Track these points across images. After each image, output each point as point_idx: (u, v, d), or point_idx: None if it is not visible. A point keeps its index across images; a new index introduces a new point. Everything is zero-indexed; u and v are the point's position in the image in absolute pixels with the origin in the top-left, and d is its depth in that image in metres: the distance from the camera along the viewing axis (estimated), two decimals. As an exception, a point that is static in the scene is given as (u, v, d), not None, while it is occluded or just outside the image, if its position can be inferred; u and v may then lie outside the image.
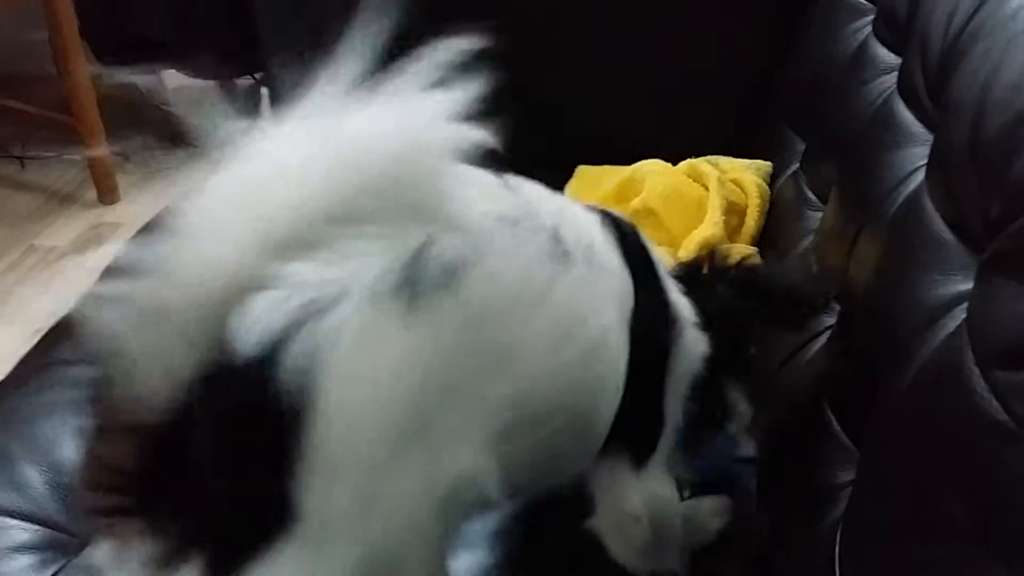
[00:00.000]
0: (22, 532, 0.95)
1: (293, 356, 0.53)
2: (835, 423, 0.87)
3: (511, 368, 0.65)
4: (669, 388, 0.84)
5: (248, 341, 0.53)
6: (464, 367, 0.62)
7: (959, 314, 0.71)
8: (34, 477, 0.99)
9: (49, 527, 0.96)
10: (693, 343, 0.86)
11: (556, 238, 0.70)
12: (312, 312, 0.54)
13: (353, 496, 0.56)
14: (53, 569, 0.91)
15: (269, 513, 0.54)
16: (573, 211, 0.77)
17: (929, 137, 0.91)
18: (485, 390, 0.63)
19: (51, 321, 1.34)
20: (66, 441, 1.03)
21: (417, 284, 0.58)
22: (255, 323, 0.53)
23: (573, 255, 0.71)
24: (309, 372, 0.53)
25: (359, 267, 0.56)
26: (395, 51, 0.58)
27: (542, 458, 0.72)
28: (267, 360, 0.53)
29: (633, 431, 0.81)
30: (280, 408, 0.53)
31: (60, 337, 1.24)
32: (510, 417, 0.65)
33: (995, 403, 0.61)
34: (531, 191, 0.74)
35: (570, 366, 0.71)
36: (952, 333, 0.71)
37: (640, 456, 0.83)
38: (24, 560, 0.92)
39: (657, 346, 0.82)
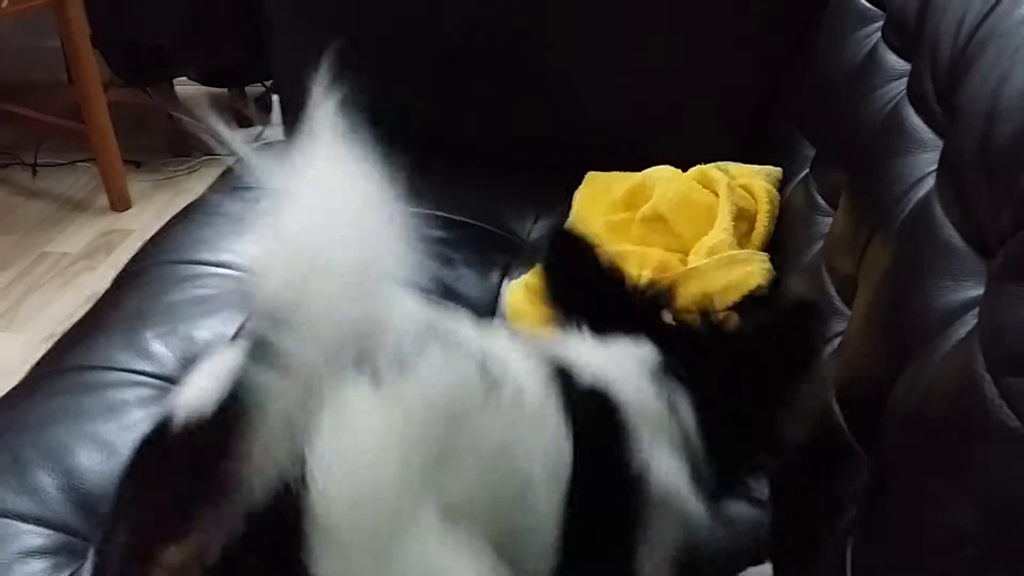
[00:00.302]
0: (35, 536, 0.95)
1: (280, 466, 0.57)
2: (846, 429, 0.87)
3: (457, 472, 0.66)
4: (642, 553, 0.79)
5: None
6: (426, 453, 0.63)
7: (970, 320, 0.71)
8: (47, 482, 1.00)
9: (62, 531, 0.96)
10: (676, 506, 0.79)
11: (484, 369, 0.70)
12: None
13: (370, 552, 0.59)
14: (66, 573, 0.92)
15: None
16: (504, 350, 0.74)
17: (939, 143, 0.91)
18: (443, 483, 0.65)
19: (63, 327, 1.35)
20: (79, 447, 1.04)
21: (375, 367, 0.61)
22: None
23: (501, 391, 0.70)
24: (304, 457, 0.57)
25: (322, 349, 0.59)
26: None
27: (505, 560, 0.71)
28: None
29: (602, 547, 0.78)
30: (292, 493, 0.56)
31: (72, 343, 1.25)
32: (467, 515, 0.66)
33: (1007, 410, 0.61)
34: (460, 320, 0.74)
35: (501, 497, 0.70)
36: (963, 339, 0.70)
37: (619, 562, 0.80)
38: (37, 564, 0.92)
39: (614, 521, 0.78)
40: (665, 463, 0.78)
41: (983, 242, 0.75)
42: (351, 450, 0.58)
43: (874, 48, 1.20)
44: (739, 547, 0.96)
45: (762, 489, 1.02)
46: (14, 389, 1.19)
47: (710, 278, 1.22)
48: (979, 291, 0.72)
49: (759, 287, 1.07)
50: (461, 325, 0.73)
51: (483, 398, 0.69)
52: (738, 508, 1.00)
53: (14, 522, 0.96)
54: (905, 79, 1.06)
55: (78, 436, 1.05)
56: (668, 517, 0.78)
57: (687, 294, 1.19)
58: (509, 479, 0.70)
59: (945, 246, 0.80)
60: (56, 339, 1.33)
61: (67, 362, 1.20)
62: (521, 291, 1.27)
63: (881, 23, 1.22)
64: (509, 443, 0.70)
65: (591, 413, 0.76)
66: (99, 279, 2.32)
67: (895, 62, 1.13)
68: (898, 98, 1.05)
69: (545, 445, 0.72)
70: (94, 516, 0.98)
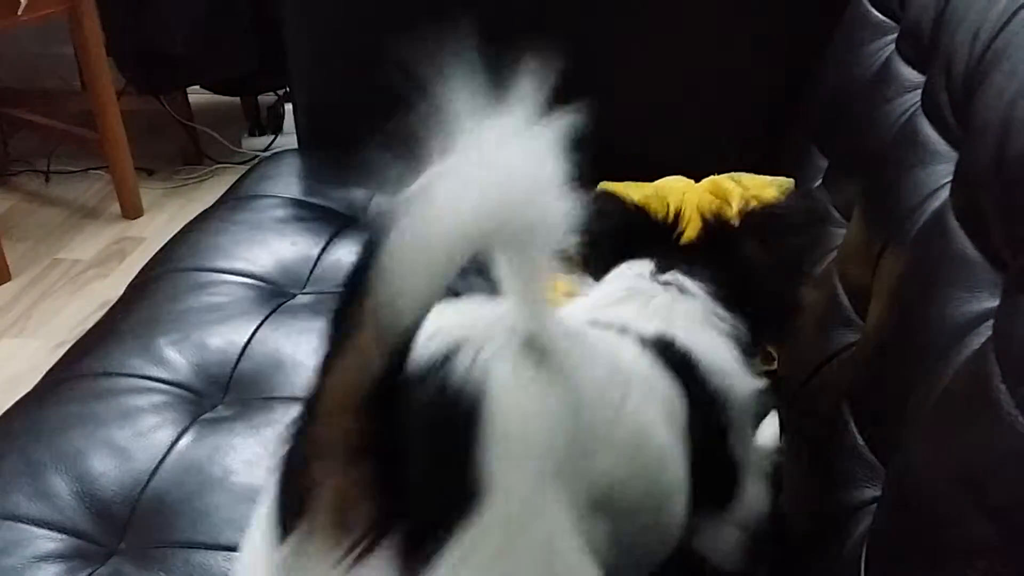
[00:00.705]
0: (49, 541, 0.95)
1: (466, 367, 0.63)
2: (860, 439, 0.87)
3: (602, 458, 0.74)
4: (736, 447, 0.93)
5: (429, 349, 0.63)
6: (574, 434, 0.69)
7: (985, 332, 0.71)
8: (61, 487, 1.00)
9: (75, 536, 0.97)
10: (745, 395, 0.93)
11: (615, 365, 0.80)
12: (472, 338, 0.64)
13: (532, 482, 0.64)
14: (79, 578, 0.92)
15: (463, 494, 0.60)
16: (618, 344, 0.85)
17: (953, 155, 0.91)
18: (585, 464, 0.71)
19: (74, 334, 1.36)
20: (92, 452, 1.05)
21: (542, 346, 0.67)
22: (435, 336, 0.63)
23: (631, 382, 0.79)
24: (481, 381, 0.62)
25: (500, 315, 0.67)
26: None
27: (627, 547, 0.78)
28: (444, 366, 0.62)
29: (716, 494, 0.91)
30: (464, 404, 0.61)
31: (86, 349, 1.25)
32: (600, 499, 0.72)
33: (1022, 420, 0.61)
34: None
35: (642, 474, 0.79)
36: (977, 351, 0.70)
37: (728, 501, 0.93)
38: (51, 569, 0.93)
39: (715, 435, 0.90)
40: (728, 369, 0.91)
41: (997, 253, 0.75)
42: (520, 391, 0.65)
43: (888, 60, 1.20)
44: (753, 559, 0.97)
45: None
46: (28, 395, 1.20)
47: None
48: (994, 303, 0.72)
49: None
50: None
51: (623, 390, 0.77)
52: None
53: (28, 527, 0.96)
54: (919, 91, 1.06)
55: (92, 442, 1.06)
56: (739, 409, 0.92)
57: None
58: (650, 455, 0.80)
59: (959, 258, 0.80)
60: (68, 346, 1.34)
61: (81, 368, 1.20)
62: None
63: (895, 35, 1.22)
64: (647, 424, 0.79)
65: (679, 361, 0.87)
66: (111, 286, 2.33)
67: (909, 74, 1.13)
68: (912, 110, 1.05)
69: (669, 411, 0.83)
70: (107, 521, 0.98)
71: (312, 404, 0.61)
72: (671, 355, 0.87)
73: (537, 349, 0.67)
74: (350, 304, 0.57)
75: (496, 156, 0.58)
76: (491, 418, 0.61)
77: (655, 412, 0.81)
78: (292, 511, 0.62)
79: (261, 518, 0.66)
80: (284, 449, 0.66)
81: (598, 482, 0.72)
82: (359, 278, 0.56)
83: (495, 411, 0.62)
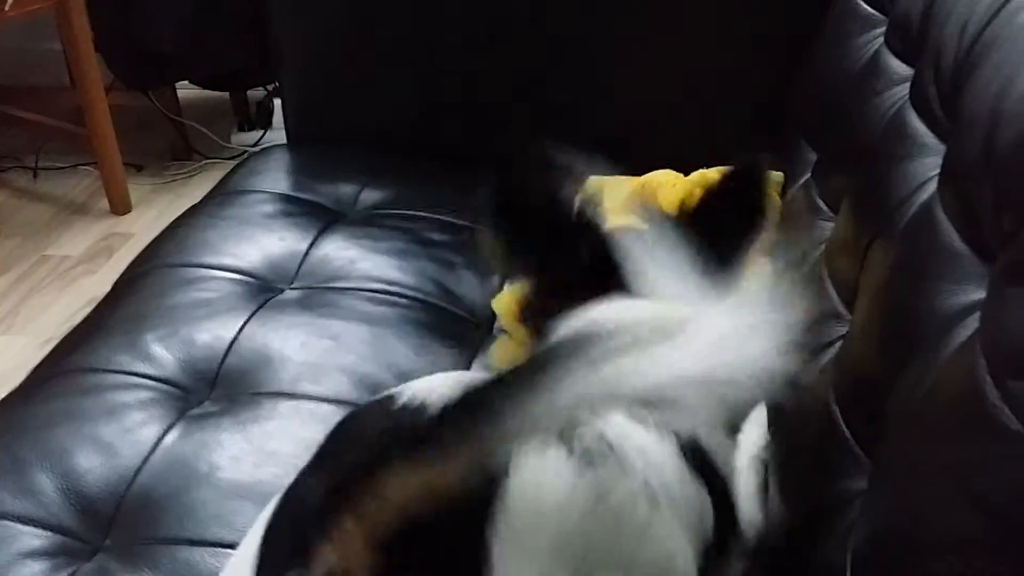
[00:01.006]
0: (34, 538, 0.95)
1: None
2: (846, 432, 0.87)
3: (609, 570, 0.69)
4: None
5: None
6: (594, 548, 0.67)
7: (971, 324, 0.71)
8: (47, 484, 1.00)
9: (61, 533, 0.96)
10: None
11: (647, 481, 0.73)
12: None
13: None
14: (64, 575, 0.92)
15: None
16: (652, 450, 0.77)
17: (941, 148, 0.91)
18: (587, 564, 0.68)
19: (62, 331, 1.35)
20: (78, 449, 1.04)
21: (587, 457, 0.66)
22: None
23: (660, 500, 0.73)
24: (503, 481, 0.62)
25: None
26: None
27: None
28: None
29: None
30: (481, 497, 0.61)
31: (73, 345, 1.25)
32: None
33: (1008, 412, 0.61)
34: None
35: None
36: (964, 343, 0.70)
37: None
38: (36, 566, 0.92)
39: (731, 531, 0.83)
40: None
41: (985, 246, 0.75)
42: (539, 497, 0.63)
43: (877, 53, 1.20)
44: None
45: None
46: (14, 392, 1.19)
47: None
48: (981, 295, 0.72)
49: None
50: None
51: (651, 512, 0.71)
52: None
53: (13, 524, 0.96)
54: (908, 84, 1.06)
55: (78, 438, 1.05)
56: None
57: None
58: None
59: (947, 250, 0.80)
60: (56, 342, 1.33)
61: (67, 364, 1.20)
62: (508, 298, 1.27)
63: (884, 28, 1.22)
64: (672, 554, 0.73)
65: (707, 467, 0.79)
66: (99, 283, 2.32)
67: (898, 67, 1.13)
68: (901, 103, 1.05)
69: (692, 525, 0.76)
70: (93, 518, 0.98)
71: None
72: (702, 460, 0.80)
73: (577, 441, 0.66)
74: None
75: None
76: (505, 521, 0.61)
77: (682, 535, 0.74)
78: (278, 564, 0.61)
79: (247, 546, 0.65)
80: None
81: None
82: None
83: (509, 514, 0.61)
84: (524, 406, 0.55)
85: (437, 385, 0.74)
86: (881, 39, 1.21)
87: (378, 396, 0.77)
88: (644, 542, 0.70)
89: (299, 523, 0.63)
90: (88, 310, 1.41)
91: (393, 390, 0.76)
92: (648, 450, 0.75)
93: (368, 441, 0.67)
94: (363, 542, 0.56)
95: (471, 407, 0.57)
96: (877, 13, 1.28)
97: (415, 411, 0.70)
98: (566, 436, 0.65)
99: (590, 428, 0.67)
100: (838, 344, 0.99)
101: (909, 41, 1.11)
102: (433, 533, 0.58)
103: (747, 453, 0.87)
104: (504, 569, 0.60)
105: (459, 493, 0.56)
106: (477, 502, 0.60)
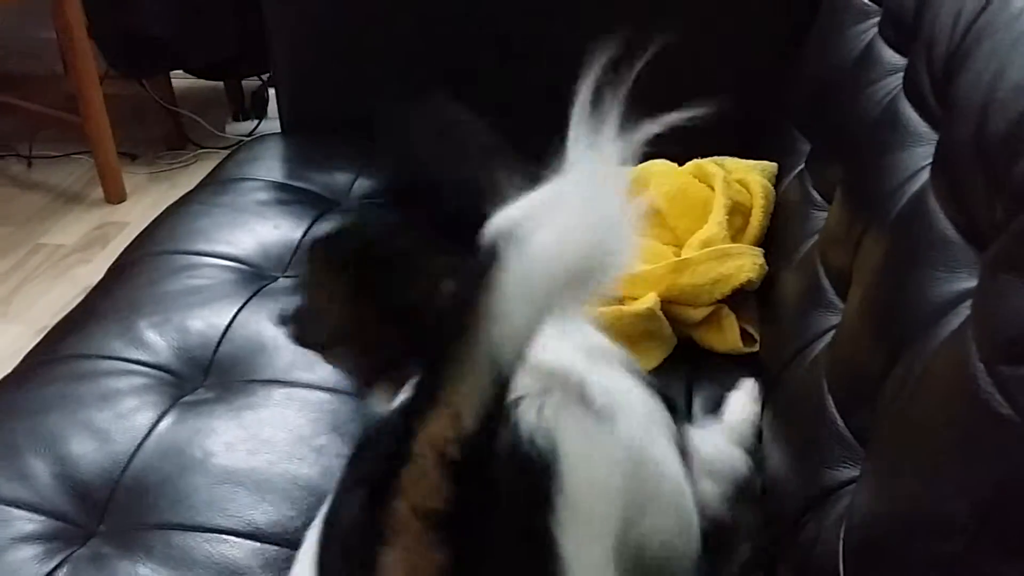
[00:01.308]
0: (27, 523, 0.95)
1: (534, 430, 0.62)
2: (839, 420, 0.88)
3: (652, 517, 0.74)
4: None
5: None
6: (632, 499, 0.70)
7: (963, 311, 0.71)
8: (40, 468, 1.00)
9: (54, 518, 0.96)
10: None
11: (652, 417, 0.78)
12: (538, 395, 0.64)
13: (601, 555, 0.64)
14: (58, 560, 0.92)
15: (534, 557, 0.60)
16: (635, 391, 0.81)
17: (934, 137, 0.91)
18: (639, 525, 0.71)
19: (57, 319, 1.35)
20: (72, 434, 1.04)
21: (605, 412, 0.69)
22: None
23: (662, 434, 0.78)
24: (552, 441, 0.62)
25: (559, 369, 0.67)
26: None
27: None
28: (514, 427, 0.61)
29: None
30: (537, 476, 0.61)
31: (66, 332, 1.25)
32: (650, 559, 0.73)
33: (998, 397, 0.61)
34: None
35: (685, 528, 0.79)
36: (956, 330, 0.71)
37: None
38: (29, 550, 0.92)
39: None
40: None
41: (977, 234, 0.75)
42: (587, 452, 0.65)
43: (871, 43, 1.20)
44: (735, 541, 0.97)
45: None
46: (7, 377, 1.19)
47: (702, 270, 1.22)
48: (973, 282, 0.72)
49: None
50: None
51: (653, 441, 0.76)
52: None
53: (7, 508, 0.96)
54: (901, 74, 1.06)
55: (72, 424, 1.05)
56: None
57: (678, 285, 1.20)
58: (687, 514, 0.79)
59: (939, 238, 0.80)
60: (50, 328, 1.33)
61: (61, 351, 1.20)
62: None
63: (878, 18, 1.22)
64: (680, 478, 0.78)
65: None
66: (94, 271, 2.32)
67: (891, 57, 1.13)
68: (894, 92, 1.06)
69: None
70: (87, 503, 0.98)
71: (387, 464, 0.56)
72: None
73: (591, 401, 0.67)
74: (450, 345, 0.53)
75: (594, 191, 0.57)
76: (564, 493, 0.61)
77: (676, 456, 0.79)
78: None
79: None
80: (333, 504, 0.64)
81: (650, 543, 0.72)
82: (462, 315, 0.53)
83: (567, 484, 0.61)
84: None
85: None
86: (875, 29, 1.21)
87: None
88: (663, 478, 0.76)
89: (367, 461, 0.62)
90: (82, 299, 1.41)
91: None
92: (633, 391, 0.79)
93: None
94: (438, 471, 0.55)
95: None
96: (871, 3, 1.28)
97: None
98: (575, 394, 0.65)
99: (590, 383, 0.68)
100: (831, 333, 0.99)
101: (903, 31, 1.11)
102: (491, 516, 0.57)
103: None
104: (572, 550, 0.60)
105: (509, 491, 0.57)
106: (531, 497, 0.61)
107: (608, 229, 0.57)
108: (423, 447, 0.53)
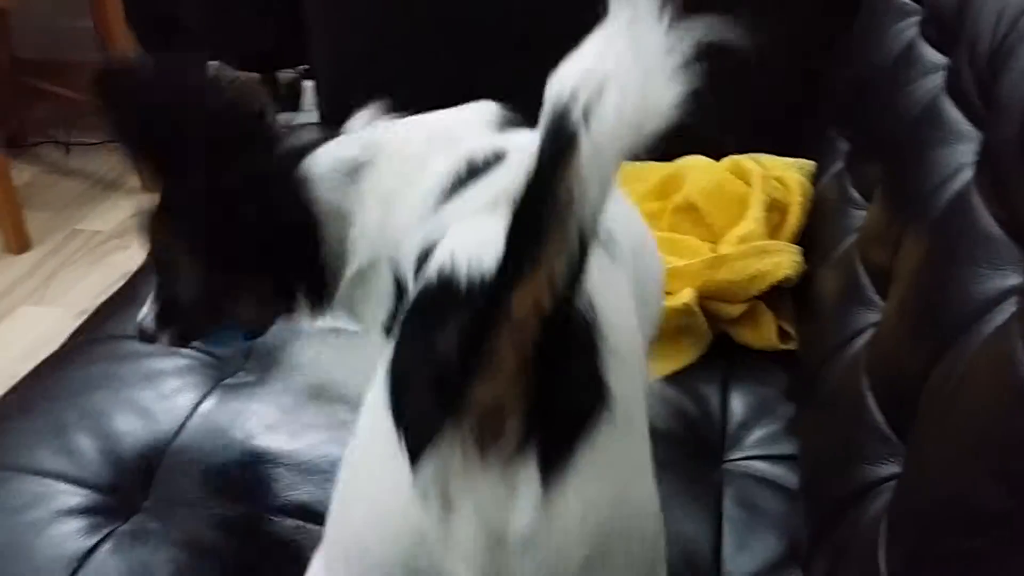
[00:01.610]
0: (73, 496, 0.97)
1: None
2: (880, 417, 0.88)
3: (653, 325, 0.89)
4: None
5: None
6: (644, 332, 0.78)
7: (1008, 308, 0.72)
8: (86, 444, 1.02)
9: (98, 492, 0.98)
10: None
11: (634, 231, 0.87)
12: None
13: (634, 384, 0.69)
14: (101, 534, 0.94)
15: (592, 396, 0.64)
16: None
17: (977, 135, 0.91)
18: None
19: (95, 304, 1.37)
20: (117, 412, 1.06)
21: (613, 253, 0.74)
22: None
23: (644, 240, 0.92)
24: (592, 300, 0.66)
25: None
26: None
27: None
28: None
29: None
30: (586, 326, 0.66)
31: (110, 313, 1.27)
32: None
33: (1045, 392, 0.61)
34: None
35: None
36: (1001, 326, 0.71)
37: None
38: (73, 524, 0.94)
39: None
40: None
41: (1022, 231, 0.75)
42: (614, 294, 0.71)
43: (912, 42, 1.20)
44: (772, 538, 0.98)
45: (792, 479, 1.03)
46: (51, 356, 1.21)
47: (739, 266, 1.22)
48: (1018, 279, 0.73)
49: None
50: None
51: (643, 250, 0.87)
52: (769, 501, 1.01)
53: (53, 481, 0.98)
54: (942, 72, 1.06)
55: (116, 402, 1.07)
56: None
57: (715, 281, 1.20)
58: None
59: (983, 235, 0.80)
60: (87, 315, 1.35)
61: (104, 331, 1.22)
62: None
63: (918, 17, 1.22)
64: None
65: None
66: (130, 258, 2.34)
67: (933, 56, 1.13)
68: (935, 91, 1.05)
69: None
70: (131, 479, 1.00)
71: (484, 314, 0.60)
72: None
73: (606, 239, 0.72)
74: (537, 212, 0.58)
75: (648, 51, 0.60)
76: (605, 339, 0.66)
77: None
78: (429, 424, 0.62)
79: (377, 432, 0.65)
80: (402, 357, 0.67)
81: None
82: (544, 183, 0.57)
83: (607, 331, 0.66)
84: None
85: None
86: (916, 28, 1.21)
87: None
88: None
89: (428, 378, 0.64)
90: (119, 285, 1.43)
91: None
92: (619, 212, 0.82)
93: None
94: (516, 363, 0.59)
95: None
96: (912, 3, 1.27)
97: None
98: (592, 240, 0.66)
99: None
100: (871, 331, 0.99)
101: (944, 30, 1.11)
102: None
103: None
104: (618, 388, 0.65)
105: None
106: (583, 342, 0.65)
107: (659, 77, 0.61)
108: (524, 301, 0.58)
